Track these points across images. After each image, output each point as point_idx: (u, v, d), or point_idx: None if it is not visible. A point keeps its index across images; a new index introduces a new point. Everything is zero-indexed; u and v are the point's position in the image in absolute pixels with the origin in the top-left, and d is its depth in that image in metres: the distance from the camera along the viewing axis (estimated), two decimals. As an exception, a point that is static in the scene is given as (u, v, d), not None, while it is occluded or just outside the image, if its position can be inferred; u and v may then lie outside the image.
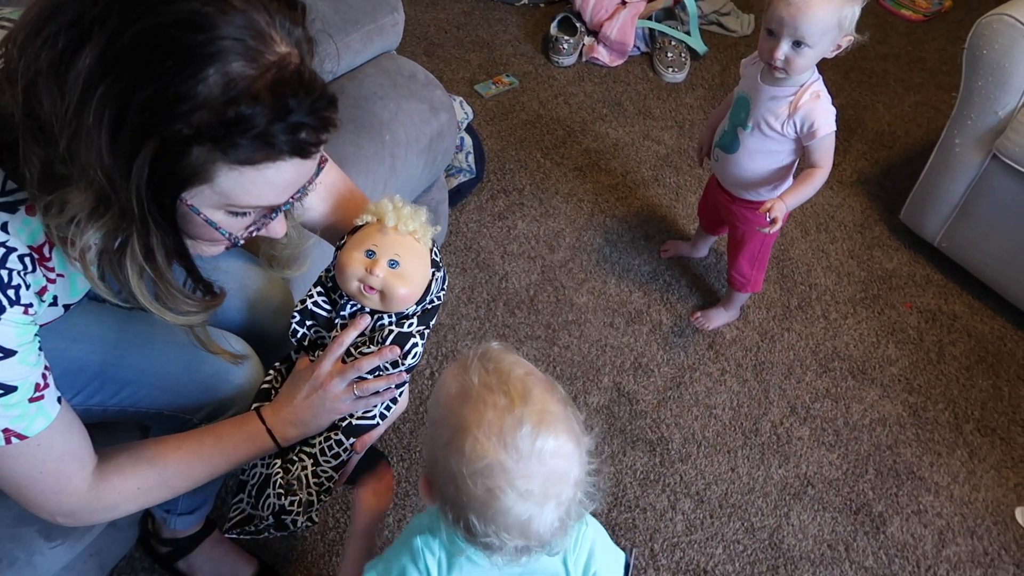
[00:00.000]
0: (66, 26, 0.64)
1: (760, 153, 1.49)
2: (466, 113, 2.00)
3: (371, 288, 0.96)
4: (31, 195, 0.72)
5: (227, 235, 0.77)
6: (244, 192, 0.72)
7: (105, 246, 0.73)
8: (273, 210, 0.79)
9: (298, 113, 0.69)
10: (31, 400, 0.79)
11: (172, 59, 0.64)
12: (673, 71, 2.40)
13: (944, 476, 1.59)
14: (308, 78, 0.70)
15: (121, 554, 1.36)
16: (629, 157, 2.18)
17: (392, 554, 0.88)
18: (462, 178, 1.97)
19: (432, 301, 1.01)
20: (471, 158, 1.99)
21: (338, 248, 1.00)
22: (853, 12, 1.32)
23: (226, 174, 0.69)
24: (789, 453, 1.61)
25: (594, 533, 0.87)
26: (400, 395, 1.02)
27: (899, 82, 2.47)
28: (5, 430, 0.79)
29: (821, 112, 1.40)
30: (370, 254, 0.96)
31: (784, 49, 1.33)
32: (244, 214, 0.76)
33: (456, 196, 1.97)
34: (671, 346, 1.77)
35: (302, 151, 0.71)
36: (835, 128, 1.42)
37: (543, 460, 0.71)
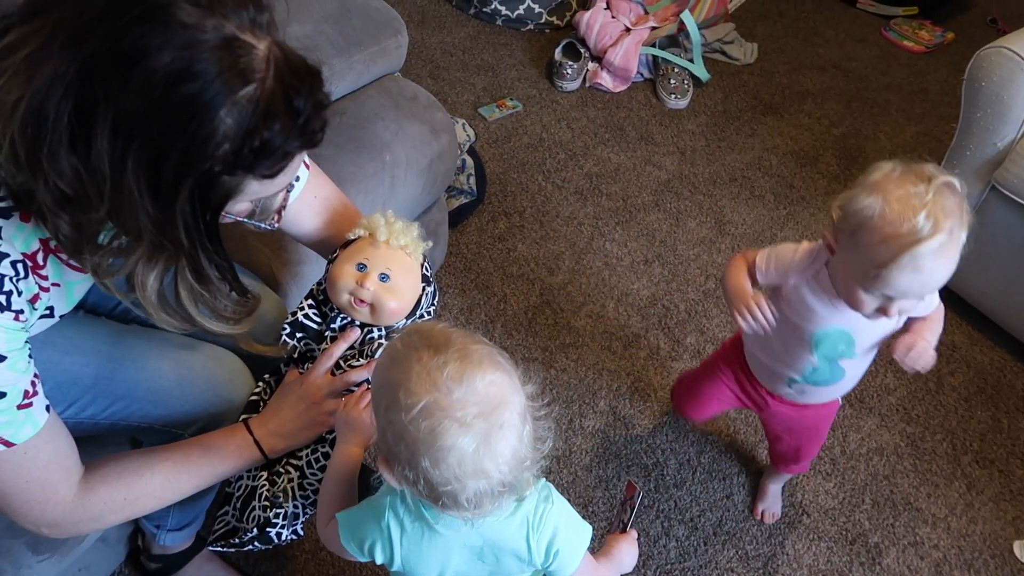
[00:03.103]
0: (63, 110, 0.65)
1: (867, 362, 1.26)
2: (468, 135, 2.02)
3: (361, 301, 0.96)
4: (75, 258, 0.76)
5: (262, 225, 0.84)
6: (269, 190, 0.77)
7: (160, 281, 0.77)
8: (289, 185, 0.84)
9: (305, 111, 0.72)
10: (19, 407, 0.80)
11: (183, 116, 0.66)
12: (676, 98, 2.42)
13: (942, 508, 1.57)
14: (296, 65, 0.72)
15: (111, 569, 1.35)
16: (630, 182, 2.19)
17: (361, 509, 0.89)
18: (463, 199, 1.99)
19: (422, 315, 1.02)
20: (472, 180, 2.01)
21: (330, 261, 1.01)
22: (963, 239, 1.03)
23: (256, 185, 0.74)
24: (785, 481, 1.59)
25: (559, 511, 0.87)
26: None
27: (901, 112, 2.48)
28: (-9, 436, 0.79)
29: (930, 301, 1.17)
30: (361, 267, 0.97)
31: (899, 306, 1.06)
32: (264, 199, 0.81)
33: (457, 217, 1.98)
34: (668, 371, 1.76)
35: (313, 142, 0.75)
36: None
37: (474, 389, 0.73)
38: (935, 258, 0.98)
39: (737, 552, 1.48)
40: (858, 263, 1.04)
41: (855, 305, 1.08)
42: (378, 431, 0.80)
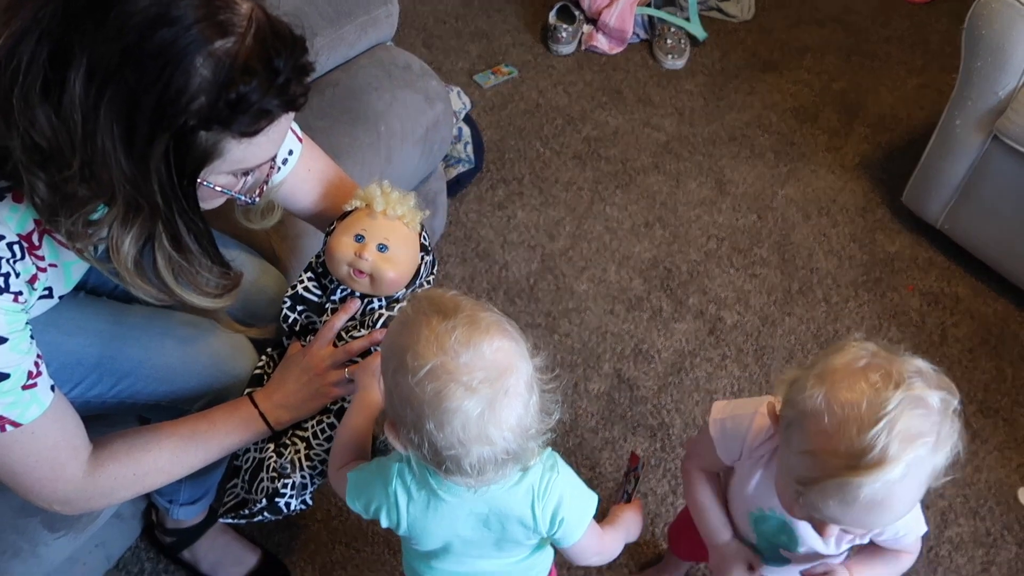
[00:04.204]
0: (38, 55, 0.64)
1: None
2: (464, 103, 2.00)
3: (360, 272, 0.97)
4: (51, 223, 0.73)
5: (242, 198, 0.81)
6: (252, 155, 0.75)
7: (137, 247, 0.75)
8: (273, 159, 0.81)
9: (284, 72, 0.71)
10: (24, 387, 0.81)
11: (157, 62, 0.65)
12: (673, 58, 2.39)
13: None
14: (279, 29, 0.72)
15: (127, 545, 1.37)
16: (629, 145, 2.18)
17: (370, 471, 0.90)
18: (461, 168, 1.98)
19: (421, 285, 1.02)
20: (469, 148, 2.00)
21: (328, 234, 1.00)
22: (946, 458, 0.79)
23: (235, 146, 0.72)
24: (790, 437, 1.60)
25: (564, 480, 0.87)
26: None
27: (902, 64, 2.45)
28: (0, 417, 0.80)
29: (912, 519, 0.94)
30: (359, 239, 0.97)
31: (835, 530, 0.82)
32: (250, 172, 0.79)
33: (455, 186, 1.97)
34: (671, 332, 1.77)
35: (294, 104, 0.74)
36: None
37: (481, 355, 0.74)
38: (877, 494, 0.72)
39: (744, 508, 1.50)
40: (785, 466, 0.82)
41: (785, 506, 0.85)
42: (385, 394, 0.81)
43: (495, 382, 0.74)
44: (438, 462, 0.77)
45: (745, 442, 0.92)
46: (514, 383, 0.75)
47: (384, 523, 0.89)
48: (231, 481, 1.06)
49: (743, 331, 1.78)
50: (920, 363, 0.78)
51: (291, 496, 0.99)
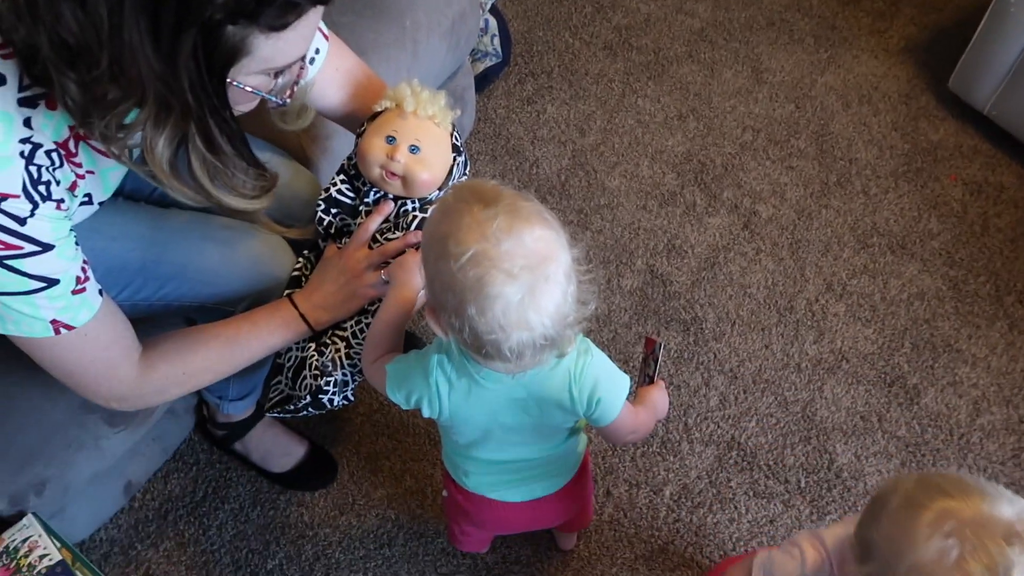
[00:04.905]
0: None
1: None
2: (490, -7, 1.93)
3: (393, 174, 0.96)
4: (84, 126, 0.73)
5: (274, 99, 0.80)
6: (281, 53, 0.74)
7: (171, 148, 0.75)
8: (302, 59, 0.80)
9: None
10: (74, 292, 0.83)
11: None
12: (709, -63, 2.26)
13: (982, 348, 1.58)
14: None
15: (182, 438, 1.45)
16: (661, 33, 2.09)
17: (409, 363, 0.93)
18: (488, 62, 1.92)
19: (454, 185, 1.02)
20: (496, 41, 1.94)
21: (358, 135, 1.00)
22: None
23: (263, 42, 0.71)
24: (824, 329, 1.61)
25: (598, 362, 0.90)
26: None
27: (955, -64, 2.29)
28: (53, 321, 0.83)
29: None
30: (390, 140, 0.96)
31: None
32: (281, 73, 0.78)
33: (482, 81, 1.93)
34: (705, 227, 1.75)
35: None
36: None
37: (522, 243, 0.75)
38: None
39: (776, 398, 1.52)
40: None
41: None
42: (426, 281, 0.82)
43: (535, 269, 0.75)
44: (478, 347, 0.79)
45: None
46: (554, 271, 0.76)
47: (426, 413, 0.93)
48: (275, 378, 1.10)
49: (778, 224, 1.75)
50: (991, 509, 0.71)
51: (334, 392, 1.02)
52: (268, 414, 1.10)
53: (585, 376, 0.89)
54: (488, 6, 1.92)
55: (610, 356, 0.93)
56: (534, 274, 0.75)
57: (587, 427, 1.06)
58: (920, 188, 1.81)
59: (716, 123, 1.93)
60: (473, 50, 1.86)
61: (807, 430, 1.49)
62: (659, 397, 1.06)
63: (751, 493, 1.42)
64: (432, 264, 0.79)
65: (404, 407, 0.94)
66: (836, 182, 1.82)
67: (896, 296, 1.65)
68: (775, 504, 1.40)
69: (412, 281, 0.95)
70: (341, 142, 1.35)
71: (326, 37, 1.03)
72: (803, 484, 1.42)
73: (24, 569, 1.03)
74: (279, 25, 0.70)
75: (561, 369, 0.88)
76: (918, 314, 1.62)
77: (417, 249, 0.98)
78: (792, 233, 1.74)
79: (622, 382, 0.93)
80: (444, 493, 1.16)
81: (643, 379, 1.10)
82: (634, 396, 1.04)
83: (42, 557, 1.04)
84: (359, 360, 1.02)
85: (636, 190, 1.81)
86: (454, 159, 1.01)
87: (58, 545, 1.07)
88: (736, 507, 1.40)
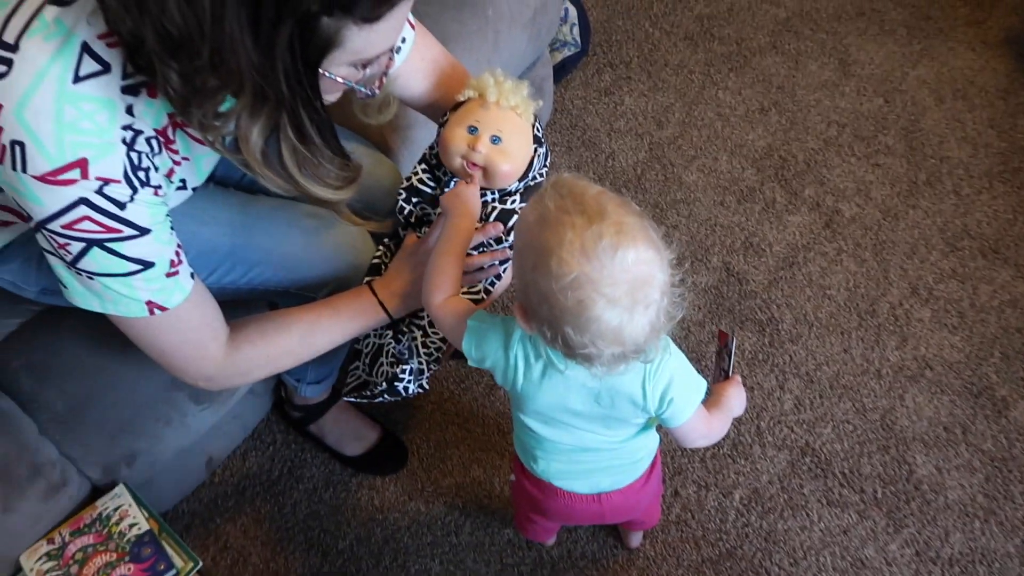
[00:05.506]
0: None
1: None
2: (571, -18, 1.91)
3: (474, 164, 0.96)
4: (184, 115, 0.75)
5: (363, 89, 0.81)
6: (372, 44, 0.75)
7: (263, 137, 0.77)
8: (391, 50, 0.81)
9: None
10: (168, 275, 0.86)
11: None
12: (798, -76, 2.19)
13: (1080, 360, 1.50)
14: None
15: (260, 417, 1.49)
16: (745, 22, 2.04)
17: (492, 326, 0.92)
18: (566, 52, 1.91)
19: (534, 178, 1.01)
20: (576, 30, 1.92)
21: (441, 125, 1.00)
22: None
23: (355, 34, 0.72)
24: (907, 335, 1.55)
25: (676, 362, 0.89)
26: (504, 271, 1.04)
27: (1065, -78, 2.16)
28: (148, 302, 0.86)
29: None
30: (472, 130, 0.96)
31: None
32: (369, 63, 0.79)
33: (560, 71, 1.91)
34: (785, 225, 1.70)
35: None
36: None
37: (626, 267, 0.74)
38: None
39: (854, 405, 1.48)
40: None
41: None
42: (519, 286, 0.82)
43: (636, 292, 0.75)
44: (569, 355, 0.81)
45: None
46: (652, 292, 0.76)
47: (498, 381, 0.94)
48: (353, 363, 1.12)
49: (862, 224, 1.70)
50: None
51: (409, 380, 1.03)
52: (344, 398, 1.12)
53: (660, 373, 0.88)
54: (568, -5, 1.91)
55: (683, 354, 0.92)
56: (634, 298, 0.75)
57: (658, 427, 1.05)
58: (1017, 189, 1.72)
59: (799, 117, 1.87)
60: (552, 39, 1.85)
61: (886, 439, 1.44)
62: (735, 394, 1.04)
63: (824, 501, 1.38)
64: (529, 272, 0.79)
65: (472, 364, 0.94)
66: (925, 181, 1.75)
67: (986, 303, 1.58)
68: (849, 514, 1.36)
69: (468, 208, 0.95)
70: (421, 132, 1.36)
71: (412, 26, 1.04)
72: (880, 495, 1.38)
73: (115, 536, 1.08)
74: (372, 17, 0.71)
75: (637, 364, 0.88)
76: (1010, 322, 1.55)
77: (488, 248, 0.98)
78: (876, 234, 1.68)
79: (697, 385, 0.92)
80: (511, 477, 1.16)
81: (718, 374, 1.08)
82: (709, 393, 1.02)
83: (131, 526, 1.09)
84: (435, 349, 1.03)
85: (714, 185, 1.77)
86: (535, 150, 1.01)
87: (146, 515, 1.11)
88: (808, 515, 1.37)
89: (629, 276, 0.74)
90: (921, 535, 1.34)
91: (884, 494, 1.38)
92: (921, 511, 1.36)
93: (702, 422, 0.96)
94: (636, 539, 1.34)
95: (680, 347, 0.91)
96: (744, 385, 1.49)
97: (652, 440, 1.05)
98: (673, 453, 1.43)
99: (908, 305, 1.58)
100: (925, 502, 1.37)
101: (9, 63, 0.71)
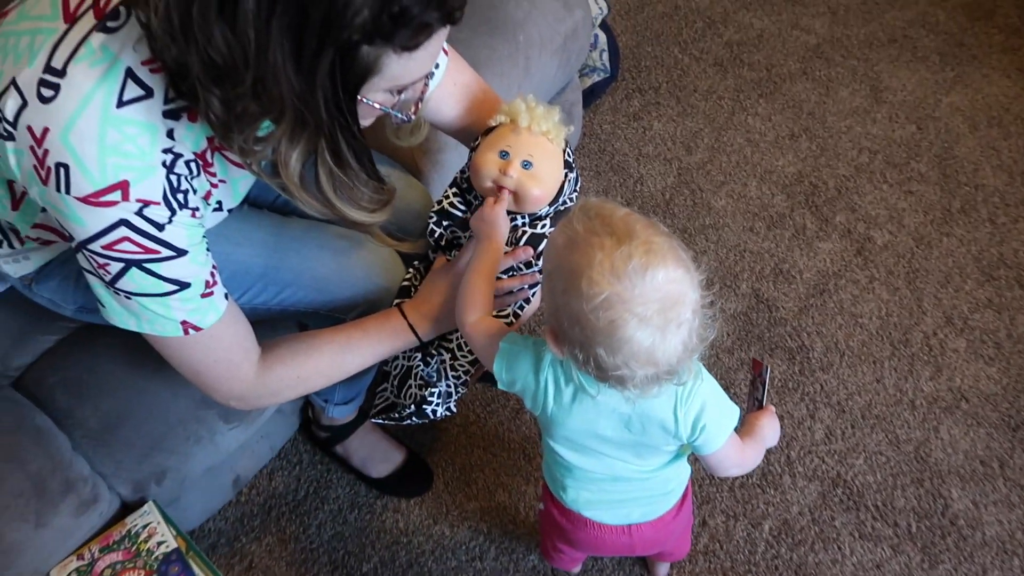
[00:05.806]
0: None
1: None
2: (601, 8, 1.92)
3: (503, 188, 0.97)
4: (225, 139, 0.77)
5: (398, 115, 0.83)
6: (409, 72, 0.76)
7: (301, 162, 0.79)
8: (426, 76, 0.82)
9: None
10: (203, 295, 0.87)
11: None
12: (829, -48, 2.19)
13: (1122, 394, 1.46)
14: None
15: (287, 437, 1.50)
16: (775, 49, 2.04)
17: (524, 348, 0.91)
18: (596, 77, 1.92)
19: (565, 203, 1.01)
20: (605, 56, 1.93)
21: (472, 149, 1.01)
22: None
23: (394, 61, 0.73)
24: (942, 365, 1.52)
25: (708, 388, 0.88)
26: (533, 295, 1.04)
27: (1102, -50, 2.14)
28: (184, 322, 0.87)
29: None
30: (504, 155, 0.97)
31: None
32: (404, 89, 0.80)
33: (590, 96, 1.93)
34: (815, 252, 1.69)
35: (451, 18, 0.74)
36: None
37: (657, 286, 0.74)
38: None
39: (887, 436, 1.45)
40: None
41: None
42: (549, 309, 0.82)
43: (667, 312, 0.75)
44: (601, 378, 0.80)
45: None
46: (683, 311, 0.76)
47: (528, 405, 0.93)
48: (381, 385, 1.12)
49: (894, 252, 1.67)
50: None
51: (437, 403, 1.03)
52: (372, 420, 1.12)
53: (692, 399, 0.87)
54: (599, 21, 1.92)
55: (712, 380, 0.91)
56: (666, 317, 0.75)
57: (690, 456, 1.04)
58: (1055, 218, 1.69)
59: (830, 143, 1.86)
60: (582, 65, 1.87)
61: (920, 472, 1.41)
62: (768, 424, 1.02)
63: (857, 534, 1.35)
64: (559, 295, 0.79)
65: (501, 387, 0.94)
66: (960, 209, 1.73)
67: (1024, 333, 1.55)
68: (883, 548, 1.33)
69: (496, 231, 0.96)
70: (452, 155, 1.38)
71: (445, 52, 1.05)
72: (914, 529, 1.35)
73: (143, 554, 1.09)
74: (412, 45, 0.72)
75: (669, 389, 0.87)
76: (1049, 354, 1.52)
77: (517, 271, 0.99)
78: (909, 262, 1.66)
79: (730, 412, 0.91)
80: (540, 506, 1.15)
81: (752, 403, 1.07)
82: (742, 423, 1.01)
83: (160, 544, 1.10)
84: (463, 372, 1.03)
85: (743, 211, 1.76)
86: (565, 175, 1.01)
87: (174, 533, 1.12)
88: (840, 548, 1.34)
89: (660, 295, 0.74)
90: (958, 572, 1.30)
91: (919, 528, 1.35)
92: (957, 547, 1.33)
93: (735, 450, 0.95)
94: (663, 570, 1.32)
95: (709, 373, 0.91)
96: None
97: (684, 470, 1.04)
98: (701, 482, 1.41)
99: (942, 335, 1.56)
100: (961, 537, 1.33)
101: (56, 88, 0.73)
